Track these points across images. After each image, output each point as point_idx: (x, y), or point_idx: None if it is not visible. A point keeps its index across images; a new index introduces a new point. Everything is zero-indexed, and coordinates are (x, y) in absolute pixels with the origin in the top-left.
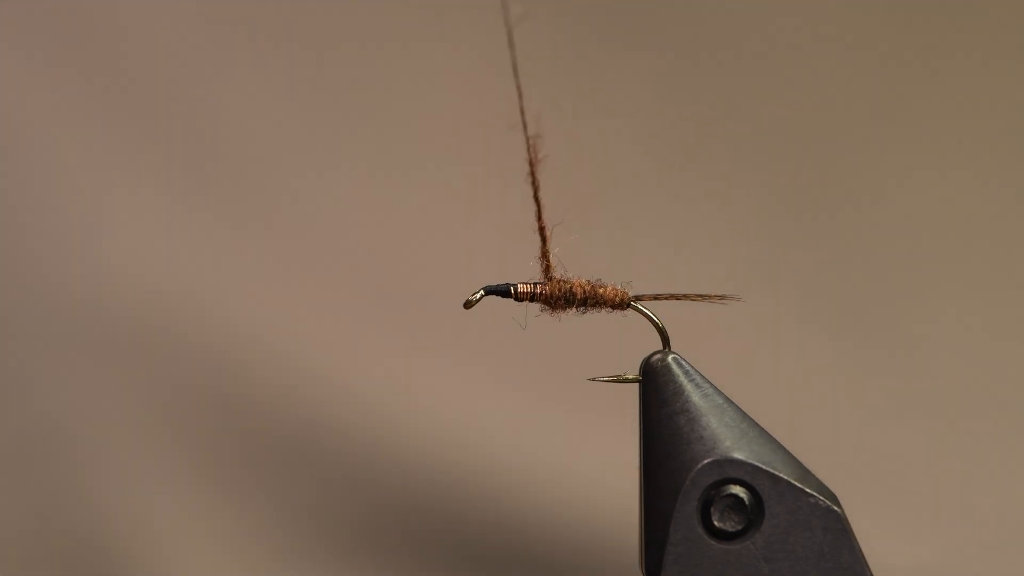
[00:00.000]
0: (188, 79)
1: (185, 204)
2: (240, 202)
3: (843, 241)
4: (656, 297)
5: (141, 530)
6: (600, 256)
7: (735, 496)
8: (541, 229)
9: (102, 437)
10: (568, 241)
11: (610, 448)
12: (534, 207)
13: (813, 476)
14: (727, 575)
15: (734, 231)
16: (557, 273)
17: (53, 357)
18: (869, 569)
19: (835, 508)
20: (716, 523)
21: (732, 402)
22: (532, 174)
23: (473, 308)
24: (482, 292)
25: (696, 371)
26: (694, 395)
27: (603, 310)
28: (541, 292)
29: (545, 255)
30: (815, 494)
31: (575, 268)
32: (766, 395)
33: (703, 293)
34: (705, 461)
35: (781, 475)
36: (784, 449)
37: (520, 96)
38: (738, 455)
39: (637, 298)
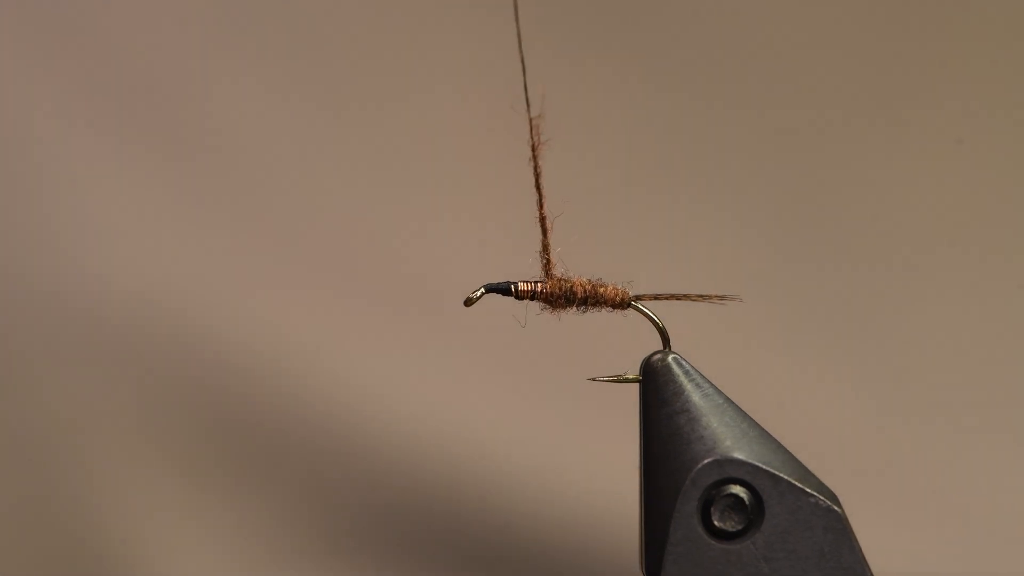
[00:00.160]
0: (186, 80)
1: (182, 205)
2: (237, 202)
3: (843, 241)
4: (656, 297)
5: (140, 530)
6: (601, 255)
7: (735, 496)
8: (542, 219)
9: (100, 437)
10: (569, 241)
11: (610, 448)
12: (535, 196)
13: (813, 476)
14: (727, 575)
15: (734, 231)
16: (558, 272)
17: (50, 357)
18: (869, 569)
19: (835, 508)
20: (716, 523)
21: (732, 402)
22: (534, 158)
23: (473, 306)
24: (483, 290)
25: (696, 371)
26: (694, 395)
27: (603, 309)
28: (542, 291)
29: (546, 247)
30: (815, 494)
31: (576, 267)
32: (766, 395)
33: (703, 293)
34: (705, 461)
35: (781, 475)
36: (784, 449)
37: (524, 72)
38: (738, 455)
39: (637, 298)
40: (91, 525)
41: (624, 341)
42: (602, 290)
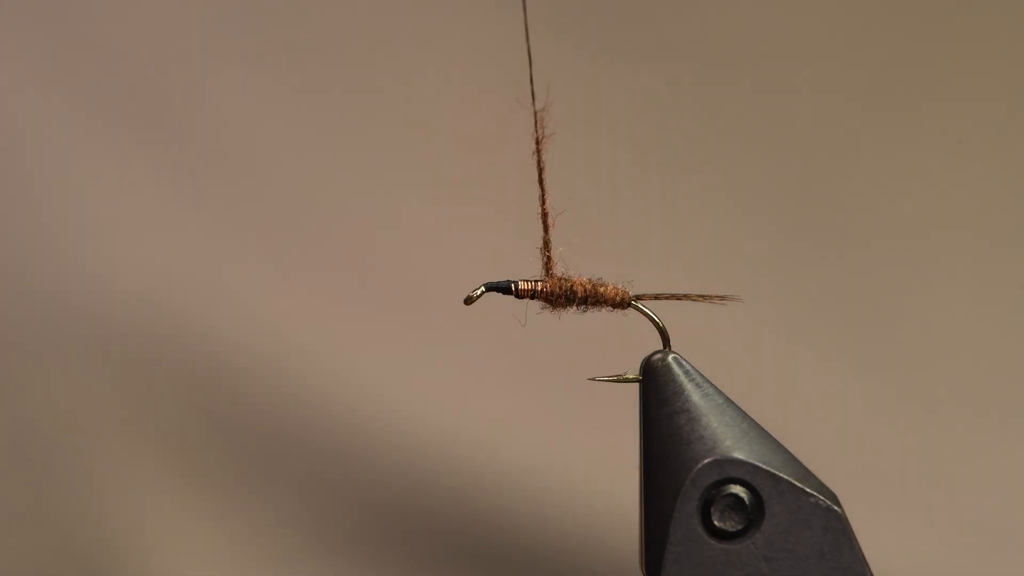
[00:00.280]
0: (186, 79)
1: (182, 205)
2: (237, 201)
3: (843, 241)
4: (657, 297)
5: (140, 529)
6: (601, 255)
7: (735, 496)
8: (544, 215)
9: (100, 436)
10: (571, 242)
11: (610, 448)
12: (537, 192)
13: (813, 476)
14: (727, 575)
15: (734, 231)
16: (558, 271)
17: (50, 357)
18: (869, 568)
19: (835, 508)
20: (716, 523)
21: (732, 402)
22: (538, 152)
23: (474, 304)
24: (483, 288)
25: (696, 371)
26: (694, 395)
27: (604, 309)
28: (542, 290)
29: (547, 244)
30: (815, 494)
31: (576, 266)
32: (766, 395)
33: (703, 293)
34: (705, 461)
35: (781, 475)
36: (784, 449)
37: (530, 64)
38: (738, 455)
39: (638, 297)
40: (91, 524)
41: (624, 341)
42: (602, 289)
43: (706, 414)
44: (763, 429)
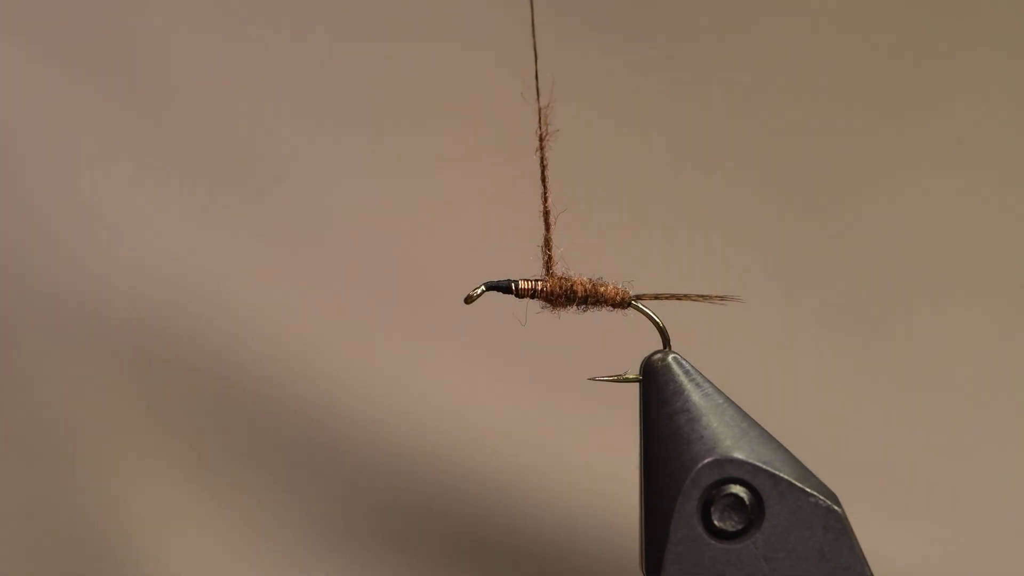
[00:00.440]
0: (194, 76)
1: (187, 201)
2: (243, 199)
3: (843, 241)
4: (657, 297)
5: (145, 527)
6: (601, 255)
7: (735, 496)
8: (546, 213)
9: (103, 434)
10: (572, 243)
11: (610, 447)
12: (540, 189)
13: (813, 476)
14: (728, 575)
15: (734, 231)
16: (559, 271)
17: (55, 355)
18: (869, 568)
19: (835, 508)
20: (716, 523)
21: (732, 402)
22: (541, 148)
23: (474, 304)
24: (483, 288)
25: (696, 371)
26: (694, 395)
27: (604, 309)
28: (542, 289)
29: (548, 242)
30: (815, 493)
31: (577, 266)
32: (766, 395)
33: (703, 293)
34: (705, 460)
35: (781, 475)
36: (784, 449)
37: (536, 60)
38: (738, 454)
39: (638, 297)
40: (96, 522)
41: (624, 341)
42: (602, 289)
43: (706, 414)
44: (763, 429)
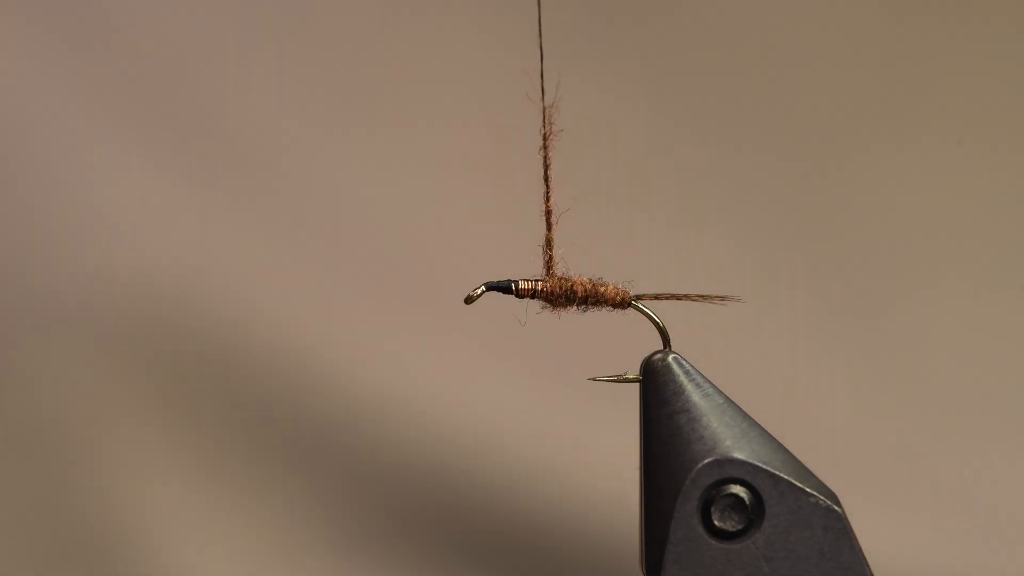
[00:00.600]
0: (196, 67)
1: (188, 200)
2: (244, 198)
3: (843, 241)
4: (657, 297)
5: (142, 527)
6: (601, 255)
7: (735, 496)
8: (548, 213)
9: (103, 434)
10: (573, 244)
11: (610, 447)
12: (542, 189)
13: (813, 475)
14: (728, 574)
15: (734, 231)
16: (559, 271)
17: (55, 354)
18: (869, 568)
19: (835, 507)
20: (716, 523)
21: (732, 402)
22: (544, 148)
23: (474, 304)
24: (483, 288)
25: (696, 371)
26: (694, 395)
27: (604, 309)
28: (542, 289)
29: (549, 242)
30: (815, 493)
31: (577, 266)
32: (766, 395)
33: (703, 293)
34: (705, 461)
35: (781, 474)
36: (784, 449)
37: (541, 59)
38: (738, 455)
39: (638, 297)
40: (96, 522)
41: (624, 341)
42: (602, 289)
43: (706, 414)
44: (763, 429)
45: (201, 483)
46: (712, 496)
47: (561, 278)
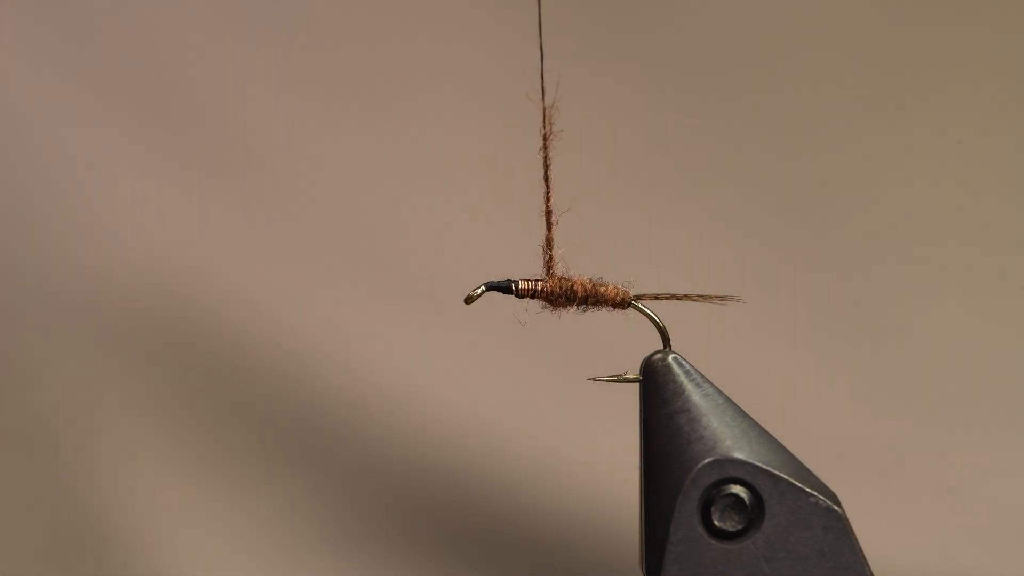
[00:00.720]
0: (196, 66)
1: (188, 200)
2: (245, 196)
3: (842, 241)
4: (657, 297)
5: (143, 526)
6: (602, 255)
7: (735, 496)
8: (548, 213)
9: (103, 433)
10: (573, 244)
11: (610, 447)
12: (542, 189)
13: (813, 475)
14: (728, 574)
15: (734, 231)
16: (559, 271)
17: (55, 354)
18: (869, 568)
19: (835, 507)
20: (716, 523)
21: (732, 402)
22: (545, 148)
23: (474, 304)
24: (483, 288)
25: (696, 371)
26: (694, 395)
27: (604, 309)
28: (542, 289)
29: (549, 242)
30: (815, 493)
31: (577, 266)
32: (766, 395)
33: (704, 293)
34: (705, 460)
35: (781, 474)
36: (784, 448)
37: (542, 59)
38: (738, 455)
39: (638, 297)
40: (96, 521)
41: (624, 341)
42: (603, 289)
43: (706, 414)
44: (763, 429)
45: (201, 482)
46: (712, 496)
47: (561, 278)
